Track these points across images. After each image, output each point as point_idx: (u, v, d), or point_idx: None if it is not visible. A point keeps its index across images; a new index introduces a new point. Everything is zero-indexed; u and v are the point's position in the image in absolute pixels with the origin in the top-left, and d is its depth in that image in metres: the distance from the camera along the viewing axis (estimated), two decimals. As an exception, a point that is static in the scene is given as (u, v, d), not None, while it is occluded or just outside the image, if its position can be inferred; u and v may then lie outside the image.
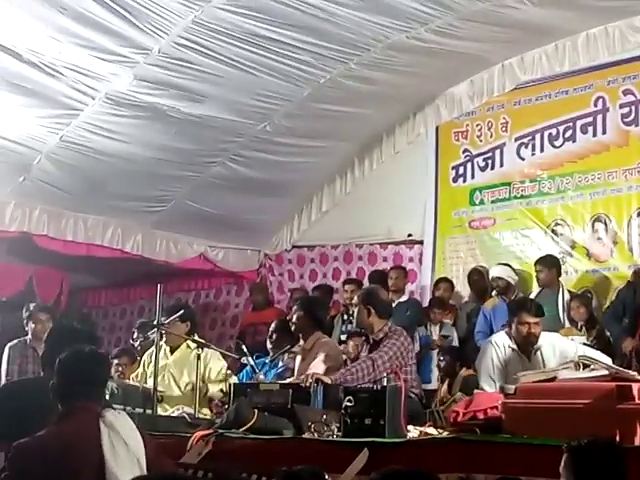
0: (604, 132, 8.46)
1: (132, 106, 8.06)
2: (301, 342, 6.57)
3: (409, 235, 9.77)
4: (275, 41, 7.56)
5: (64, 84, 7.62)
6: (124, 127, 8.36)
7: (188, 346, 6.66)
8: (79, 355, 3.81)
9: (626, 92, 8.34)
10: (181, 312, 6.59)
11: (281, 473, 3.31)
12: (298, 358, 6.59)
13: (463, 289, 9.10)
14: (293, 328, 6.62)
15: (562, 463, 3.39)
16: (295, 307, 6.69)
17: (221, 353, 6.82)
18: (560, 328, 7.48)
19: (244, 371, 6.92)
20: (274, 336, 7.00)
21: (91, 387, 3.75)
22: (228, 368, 6.75)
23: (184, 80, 7.87)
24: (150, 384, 6.22)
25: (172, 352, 6.74)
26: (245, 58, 7.72)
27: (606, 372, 4.50)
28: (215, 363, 6.56)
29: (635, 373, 4.47)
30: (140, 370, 6.89)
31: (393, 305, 8.40)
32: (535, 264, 8.24)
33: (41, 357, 4.77)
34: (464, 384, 7.18)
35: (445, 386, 7.61)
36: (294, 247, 10.94)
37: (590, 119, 8.55)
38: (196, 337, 6.71)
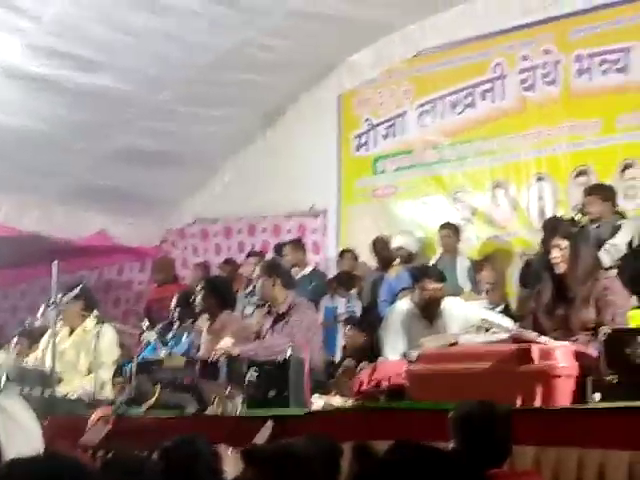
0: (503, 98, 8.49)
1: (23, 77, 7.77)
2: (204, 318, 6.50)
3: (312, 206, 9.70)
4: (175, 9, 7.37)
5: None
6: (15, 99, 8.05)
7: (84, 329, 6.53)
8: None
9: (524, 58, 8.38)
10: (76, 291, 6.44)
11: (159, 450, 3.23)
12: (204, 335, 6.48)
13: (369, 259, 9.08)
14: (198, 309, 6.53)
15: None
16: (199, 288, 6.59)
17: (122, 331, 6.71)
18: (460, 293, 7.53)
19: (149, 347, 6.79)
20: (177, 311, 6.91)
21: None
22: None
23: (78, 49, 7.60)
24: (49, 366, 6.07)
25: (70, 334, 6.62)
26: (144, 26, 7.50)
27: (506, 335, 4.52)
28: (104, 342, 6.42)
29: (536, 334, 4.49)
30: (39, 352, 6.73)
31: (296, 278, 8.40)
32: (440, 229, 8.27)
33: None
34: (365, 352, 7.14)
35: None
36: (197, 221, 10.77)
37: (489, 85, 8.59)
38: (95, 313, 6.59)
